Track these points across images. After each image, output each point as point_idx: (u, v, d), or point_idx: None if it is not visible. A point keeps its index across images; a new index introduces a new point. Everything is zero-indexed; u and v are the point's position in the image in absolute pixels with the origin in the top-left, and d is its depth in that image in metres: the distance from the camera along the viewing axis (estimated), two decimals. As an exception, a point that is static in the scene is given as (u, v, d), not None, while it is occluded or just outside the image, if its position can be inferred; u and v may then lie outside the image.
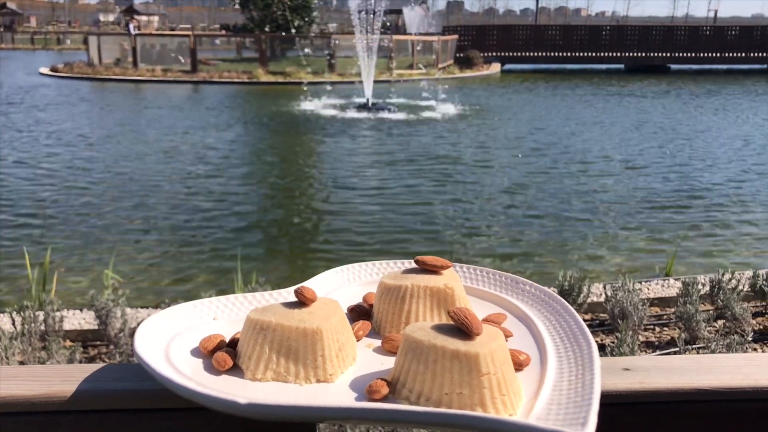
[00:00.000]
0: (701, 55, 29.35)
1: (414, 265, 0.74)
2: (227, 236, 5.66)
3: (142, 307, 3.70)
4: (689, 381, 0.64)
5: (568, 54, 29.92)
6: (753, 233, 5.91)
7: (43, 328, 3.13)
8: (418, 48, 24.55)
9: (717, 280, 3.64)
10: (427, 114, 13.66)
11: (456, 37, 28.58)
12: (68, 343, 3.26)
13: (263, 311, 0.63)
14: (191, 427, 0.62)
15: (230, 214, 6.36)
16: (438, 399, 0.55)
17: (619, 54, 29.56)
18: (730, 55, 29.34)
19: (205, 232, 5.75)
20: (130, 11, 54.78)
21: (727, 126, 12.57)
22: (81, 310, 3.60)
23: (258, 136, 11.43)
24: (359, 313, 0.73)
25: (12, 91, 17.03)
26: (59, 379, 0.63)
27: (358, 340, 0.68)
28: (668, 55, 29.39)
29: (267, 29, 27.00)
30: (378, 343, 0.68)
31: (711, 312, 3.50)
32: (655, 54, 29.48)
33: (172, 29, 55.08)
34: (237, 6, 30.75)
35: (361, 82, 16.42)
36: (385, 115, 13.46)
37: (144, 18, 57.34)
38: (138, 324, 3.05)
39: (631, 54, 29.61)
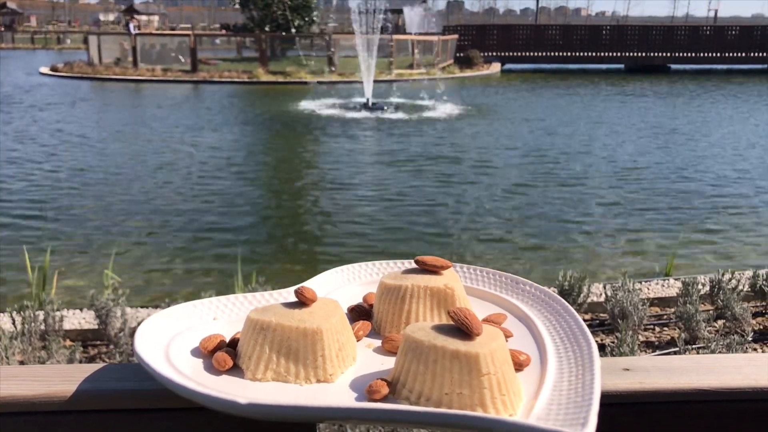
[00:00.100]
0: (701, 55, 29.34)
1: (414, 265, 0.74)
2: (227, 236, 5.66)
3: (142, 307, 3.70)
4: (689, 381, 0.64)
5: (569, 54, 29.92)
6: (753, 233, 5.91)
7: (43, 327, 3.13)
8: (418, 48, 24.55)
9: (717, 280, 3.64)
10: (427, 114, 13.66)
11: (456, 36, 28.58)
12: (68, 342, 3.26)
13: (263, 311, 0.63)
14: (191, 427, 0.62)
15: (230, 213, 6.36)
16: (438, 399, 0.55)
17: (619, 54, 29.56)
18: (730, 55, 29.34)
19: (205, 232, 5.75)
20: (130, 11, 54.78)
21: (727, 126, 12.56)
22: (81, 309, 3.60)
23: (258, 136, 11.43)
24: (359, 313, 0.73)
25: (12, 91, 17.03)
26: (59, 379, 0.63)
27: (358, 340, 0.68)
28: (668, 55, 29.39)
29: (267, 29, 27.00)
30: (378, 343, 0.68)
31: (711, 312, 3.50)
32: (656, 54, 29.48)
33: (173, 29, 55.08)
34: (237, 6, 30.74)
35: (361, 81, 16.42)
36: (385, 114, 13.46)
37: (144, 17, 57.33)
38: (138, 324, 3.05)
39: (631, 54, 29.60)
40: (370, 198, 6.96)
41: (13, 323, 3.16)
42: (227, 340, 0.65)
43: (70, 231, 5.73)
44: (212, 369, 0.61)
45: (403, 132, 11.37)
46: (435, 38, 25.58)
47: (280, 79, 20.90)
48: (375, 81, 16.34)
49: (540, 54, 29.85)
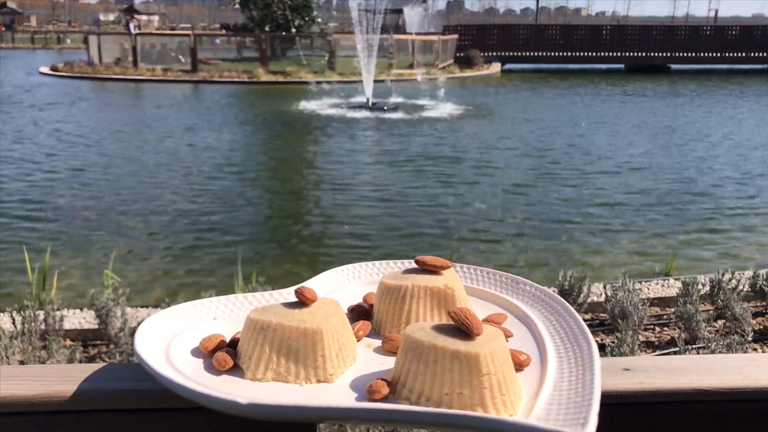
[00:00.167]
0: (701, 54, 29.34)
1: (414, 265, 0.74)
2: (227, 236, 5.66)
3: (142, 307, 3.70)
4: (689, 381, 0.64)
5: (569, 54, 29.92)
6: (754, 233, 5.91)
7: (43, 327, 3.13)
8: (419, 48, 24.55)
9: (717, 280, 3.64)
10: (427, 113, 13.66)
11: (456, 36, 28.58)
12: (68, 342, 3.26)
13: (263, 311, 0.63)
14: (191, 427, 0.62)
15: (230, 213, 6.36)
16: (438, 399, 0.55)
17: (619, 54, 29.56)
18: (731, 54, 29.34)
19: (205, 232, 5.75)
20: (131, 10, 54.78)
21: (728, 126, 12.56)
22: (81, 309, 3.60)
23: (258, 136, 11.43)
24: (359, 313, 0.73)
25: (12, 91, 17.03)
26: (59, 378, 0.63)
27: (358, 340, 0.68)
28: (668, 54, 29.39)
29: (267, 29, 27.00)
30: (378, 343, 0.68)
31: (711, 312, 3.50)
32: (656, 54, 29.48)
33: (173, 29, 55.08)
34: (237, 5, 30.74)
35: (361, 81, 16.42)
36: (385, 114, 13.46)
37: (144, 17, 57.34)
38: (138, 323, 3.05)
39: (631, 54, 29.60)
40: (370, 198, 6.96)
41: (14, 323, 3.16)
42: (227, 340, 0.65)
43: (70, 231, 5.73)
44: (212, 369, 0.61)
45: (403, 132, 11.37)
46: (435, 38, 25.60)
47: (280, 79, 20.90)
48: (375, 81, 16.35)
49: (540, 54, 29.85)
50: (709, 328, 3.32)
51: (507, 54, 29.21)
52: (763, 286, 3.68)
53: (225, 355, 0.61)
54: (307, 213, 6.69)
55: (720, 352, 2.70)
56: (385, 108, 14.07)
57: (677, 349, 3.04)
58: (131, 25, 28.54)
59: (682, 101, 16.92)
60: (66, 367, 0.65)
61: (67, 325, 3.34)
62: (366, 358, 0.65)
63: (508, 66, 28.45)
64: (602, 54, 29.60)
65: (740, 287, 3.60)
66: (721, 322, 3.46)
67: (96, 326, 3.29)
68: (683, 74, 26.76)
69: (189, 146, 9.80)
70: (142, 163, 8.64)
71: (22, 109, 13.63)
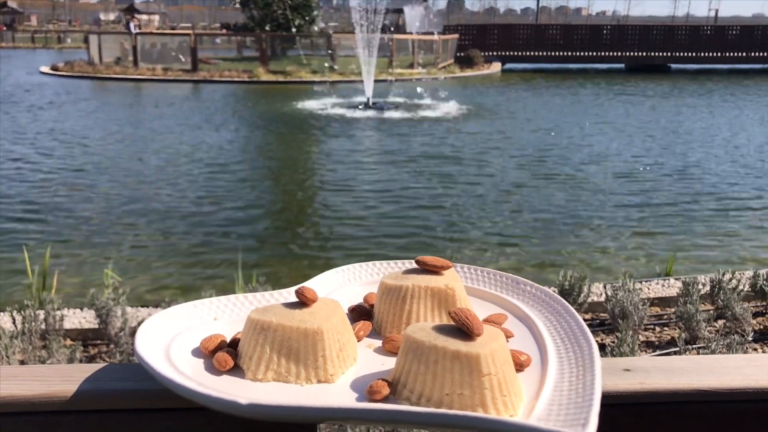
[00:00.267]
0: (702, 54, 29.34)
1: (415, 265, 0.74)
2: (228, 235, 5.67)
3: (142, 306, 3.70)
4: (690, 382, 0.64)
5: (569, 53, 29.92)
6: (754, 233, 5.91)
7: (43, 327, 3.13)
8: (419, 47, 24.54)
9: (717, 279, 3.64)
10: (427, 113, 13.66)
11: (456, 36, 28.58)
12: (69, 342, 3.26)
13: (264, 311, 0.63)
14: (192, 428, 0.62)
15: (231, 213, 6.36)
16: (439, 400, 0.55)
17: (619, 53, 29.55)
18: (731, 54, 29.34)
19: (205, 232, 5.75)
20: (131, 10, 54.80)
21: (729, 126, 12.56)
22: (81, 309, 3.60)
23: (258, 136, 11.43)
24: (360, 313, 0.73)
25: (13, 90, 17.03)
26: (60, 378, 0.63)
27: (358, 341, 0.68)
28: (669, 54, 29.39)
29: (267, 28, 26.99)
30: (379, 343, 0.68)
31: (711, 312, 3.50)
32: (656, 53, 29.48)
33: (173, 28, 55.09)
34: (237, 5, 30.73)
35: (361, 81, 16.42)
36: (385, 114, 13.46)
37: (144, 17, 57.34)
38: (138, 323, 3.05)
39: (631, 53, 29.60)
40: (371, 198, 6.96)
41: (14, 322, 3.16)
42: (228, 341, 0.65)
43: (70, 230, 5.73)
44: (213, 369, 0.61)
45: (403, 132, 11.37)
46: (435, 38, 25.58)
47: (281, 78, 20.90)
48: (375, 80, 16.35)
49: (540, 53, 29.85)
50: (709, 328, 3.32)
51: (507, 54, 29.20)
52: (763, 286, 3.68)
53: (225, 355, 0.61)
54: (308, 213, 6.69)
55: (720, 352, 2.70)
56: (386, 108, 14.07)
57: (677, 349, 3.04)
58: (131, 25, 28.55)
59: (683, 101, 16.92)
60: (66, 367, 0.65)
61: (68, 324, 3.34)
62: (366, 359, 0.65)
63: (508, 66, 28.44)
64: (602, 54, 29.60)
65: (740, 287, 3.60)
66: (721, 322, 3.46)
67: (96, 326, 3.29)
68: (684, 74, 26.76)
69: (189, 146, 9.80)
70: (142, 163, 8.64)
71: (22, 108, 13.63)
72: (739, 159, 9.25)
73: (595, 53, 29.63)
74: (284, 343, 0.60)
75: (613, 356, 2.79)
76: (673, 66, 29.41)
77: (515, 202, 6.83)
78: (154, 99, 16.54)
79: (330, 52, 22.90)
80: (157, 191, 7.13)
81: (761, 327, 3.44)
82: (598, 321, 3.58)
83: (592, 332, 3.32)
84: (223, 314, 0.71)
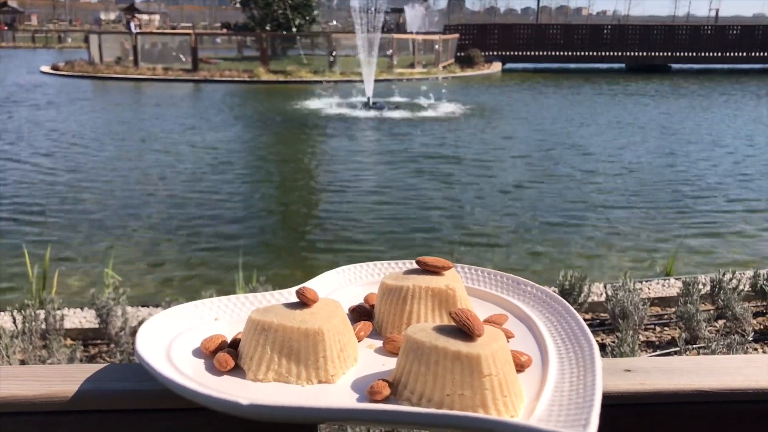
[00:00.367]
0: (702, 54, 29.32)
1: (415, 265, 0.74)
2: (228, 235, 5.67)
3: (142, 306, 3.70)
4: (690, 382, 0.64)
5: (569, 53, 29.91)
6: (754, 232, 5.91)
7: (43, 326, 3.14)
8: (420, 47, 24.54)
9: (718, 279, 3.64)
10: (428, 113, 13.66)
11: (457, 35, 28.57)
12: (69, 341, 3.26)
13: (265, 312, 0.63)
14: (192, 428, 0.62)
15: (231, 213, 6.37)
16: (439, 400, 0.55)
17: (620, 53, 29.54)
18: (732, 54, 29.32)
19: (206, 232, 5.75)
20: (131, 10, 54.80)
21: (730, 126, 12.55)
22: (82, 308, 3.60)
23: (258, 136, 11.43)
24: (360, 313, 0.73)
25: (13, 90, 17.03)
26: (60, 379, 0.63)
27: (359, 341, 0.68)
28: (669, 54, 29.37)
29: (268, 28, 26.99)
30: (379, 343, 0.68)
31: (711, 312, 3.50)
32: (657, 53, 29.46)
33: (173, 28, 55.09)
34: (238, 5, 30.74)
35: (361, 80, 16.41)
36: (386, 114, 13.46)
37: (145, 16, 57.34)
38: (138, 323, 3.05)
39: (632, 53, 29.59)
40: (371, 197, 6.96)
41: (14, 322, 3.16)
42: (228, 341, 0.65)
43: (70, 230, 5.73)
44: (213, 369, 0.61)
45: (403, 131, 11.37)
46: (436, 37, 25.58)
47: (281, 78, 20.90)
48: (376, 80, 16.34)
49: (541, 53, 29.84)
50: (709, 328, 3.32)
51: (508, 53, 29.20)
52: (763, 286, 3.68)
53: (226, 355, 0.61)
54: (308, 213, 6.69)
55: (720, 352, 2.70)
56: (386, 107, 14.07)
57: (677, 348, 3.03)
58: (132, 24, 28.57)
59: (684, 101, 16.91)
60: (67, 367, 0.65)
61: (68, 324, 3.34)
62: (367, 359, 0.65)
63: (508, 65, 28.44)
64: (603, 53, 29.59)
65: (741, 287, 3.60)
66: (721, 321, 3.46)
67: (96, 325, 3.29)
68: (684, 74, 26.75)
69: (189, 146, 9.80)
70: (142, 162, 8.64)
71: (22, 108, 13.63)
72: (741, 158, 9.25)
73: (595, 53, 29.62)
74: (285, 343, 0.60)
75: (614, 356, 2.79)
76: (674, 66, 29.40)
77: (515, 202, 6.83)
78: (154, 99, 16.55)
79: (331, 52, 22.89)
80: (157, 190, 7.13)
81: (761, 327, 3.44)
82: (598, 321, 3.58)
83: (593, 332, 3.32)
84: (224, 314, 0.71)
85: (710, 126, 12.48)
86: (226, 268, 4.77)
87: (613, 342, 3.13)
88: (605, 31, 30.72)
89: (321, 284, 0.77)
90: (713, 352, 2.72)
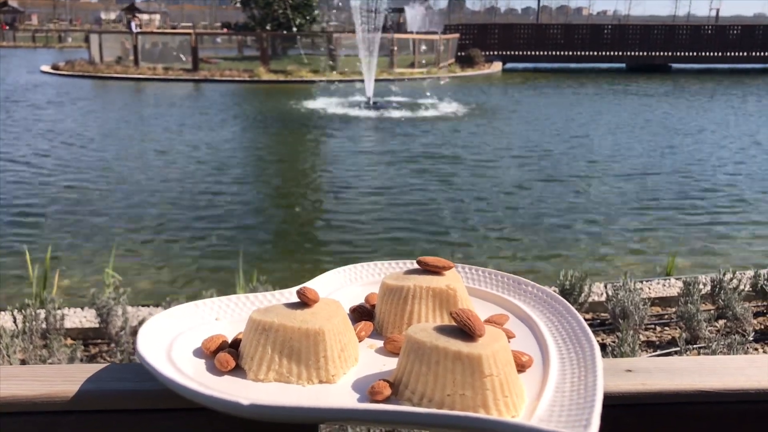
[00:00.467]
0: (703, 54, 29.32)
1: (416, 265, 0.74)
2: (229, 235, 5.66)
3: (143, 306, 3.70)
4: (691, 382, 0.64)
5: (570, 53, 29.91)
6: (755, 232, 5.91)
7: (44, 326, 3.14)
8: (420, 46, 24.53)
9: (718, 279, 3.63)
10: (428, 112, 13.66)
11: (457, 35, 28.57)
12: (69, 341, 3.26)
13: (265, 312, 0.63)
14: (192, 428, 0.62)
15: (231, 213, 6.36)
16: (440, 400, 0.55)
17: (620, 53, 29.54)
18: (732, 54, 29.31)
19: (206, 231, 5.75)
20: (132, 9, 54.81)
21: (729, 125, 12.55)
22: (82, 308, 3.60)
23: (259, 135, 11.43)
24: (361, 313, 0.73)
25: (13, 89, 17.03)
26: (61, 379, 0.63)
27: (360, 341, 0.68)
28: (670, 54, 29.37)
29: (268, 28, 26.98)
30: (380, 343, 0.68)
31: (712, 312, 3.50)
32: (657, 53, 29.46)
33: (174, 27, 55.10)
34: (238, 4, 30.74)
35: (362, 80, 16.42)
36: (386, 113, 13.46)
37: (145, 16, 57.35)
38: (139, 322, 3.05)
39: (632, 53, 29.58)
40: (372, 197, 6.96)
41: (15, 322, 3.16)
42: (229, 341, 0.65)
43: (71, 229, 5.73)
44: (214, 369, 0.61)
45: (404, 131, 11.37)
46: (436, 37, 25.58)
47: (282, 78, 20.90)
48: (376, 80, 16.34)
49: (541, 53, 29.84)
50: (710, 328, 3.32)
51: (508, 53, 29.20)
52: (764, 286, 3.68)
53: (227, 355, 0.61)
54: (309, 213, 6.68)
55: (721, 352, 2.70)
56: (387, 107, 14.07)
57: (678, 348, 3.03)
58: (132, 24, 28.57)
59: (684, 101, 16.91)
60: (67, 367, 0.65)
61: (68, 323, 3.34)
62: (368, 359, 0.65)
63: (509, 65, 28.44)
64: (603, 53, 29.59)
65: (741, 287, 3.60)
66: (722, 321, 3.46)
67: (97, 325, 3.29)
68: (685, 74, 26.74)
69: (189, 145, 9.80)
70: (143, 162, 8.64)
71: (23, 108, 13.63)
72: (742, 158, 9.24)
73: (596, 53, 29.61)
74: (286, 343, 0.60)
75: (614, 356, 2.79)
76: (674, 66, 29.40)
77: (516, 202, 6.83)
78: (154, 98, 16.55)
79: (332, 51, 22.89)
80: (157, 190, 7.13)
81: (762, 327, 3.44)
82: (598, 321, 3.58)
83: (593, 332, 3.31)
84: (225, 314, 0.71)
85: (711, 126, 12.47)
86: (227, 268, 4.77)
87: (614, 342, 3.13)
88: (606, 30, 30.72)
89: (322, 284, 0.77)
90: (714, 352, 2.72)
